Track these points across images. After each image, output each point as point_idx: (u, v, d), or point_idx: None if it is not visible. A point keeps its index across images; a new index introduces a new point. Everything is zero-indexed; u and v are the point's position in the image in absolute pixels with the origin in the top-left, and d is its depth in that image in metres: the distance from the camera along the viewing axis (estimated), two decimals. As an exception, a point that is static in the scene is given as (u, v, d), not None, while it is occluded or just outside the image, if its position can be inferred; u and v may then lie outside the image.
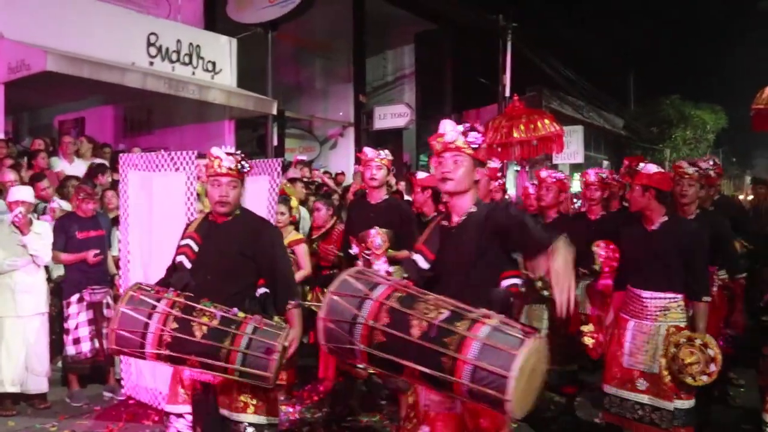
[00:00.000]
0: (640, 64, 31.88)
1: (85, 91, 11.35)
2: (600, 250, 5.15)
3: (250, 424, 3.32)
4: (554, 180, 5.23)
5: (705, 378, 3.95)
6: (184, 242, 3.49)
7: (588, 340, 4.44)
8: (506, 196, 7.10)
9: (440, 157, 2.93)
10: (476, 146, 2.89)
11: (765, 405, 3.85)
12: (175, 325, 3.13)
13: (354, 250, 4.86)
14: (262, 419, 3.34)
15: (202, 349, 3.11)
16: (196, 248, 3.45)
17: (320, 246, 6.02)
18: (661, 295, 4.14)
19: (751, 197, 9.84)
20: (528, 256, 2.86)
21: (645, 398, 4.13)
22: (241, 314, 3.19)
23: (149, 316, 3.16)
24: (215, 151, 3.41)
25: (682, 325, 4.15)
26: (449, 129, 2.92)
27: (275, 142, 13.69)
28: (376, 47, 18.83)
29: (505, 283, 2.84)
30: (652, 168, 4.23)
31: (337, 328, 2.68)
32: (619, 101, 30.72)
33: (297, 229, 6.22)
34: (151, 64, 10.87)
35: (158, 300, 3.22)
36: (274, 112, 12.88)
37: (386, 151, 5.07)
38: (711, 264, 4.87)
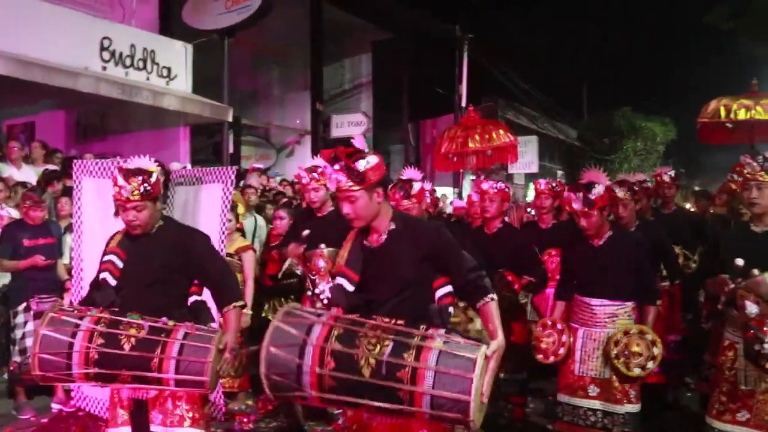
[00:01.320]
0: (592, 77, 32.45)
1: (36, 96, 11.12)
2: (551, 258, 5.26)
3: None
4: (496, 190, 5.26)
5: (638, 371, 4.03)
6: (106, 258, 3.40)
7: (544, 344, 4.47)
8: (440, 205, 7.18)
9: (338, 199, 2.95)
10: (360, 179, 2.78)
11: (710, 409, 3.93)
12: (101, 341, 3.04)
13: (299, 270, 4.88)
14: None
15: (133, 362, 3.02)
16: (120, 264, 3.37)
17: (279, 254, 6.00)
18: (609, 302, 4.22)
19: (692, 209, 10.11)
20: (458, 293, 2.93)
21: (597, 404, 4.20)
22: (171, 323, 3.12)
23: (73, 335, 3.05)
24: (119, 179, 3.29)
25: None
26: (328, 177, 2.85)
27: (231, 150, 13.56)
28: (334, 55, 18.85)
29: (440, 293, 2.87)
30: (600, 189, 4.25)
31: (283, 380, 2.63)
32: (573, 112, 31.28)
33: (247, 235, 6.19)
34: (105, 68, 10.67)
35: (81, 318, 3.12)
36: (230, 119, 12.77)
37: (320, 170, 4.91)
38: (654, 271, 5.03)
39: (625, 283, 4.22)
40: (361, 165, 2.77)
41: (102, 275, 3.37)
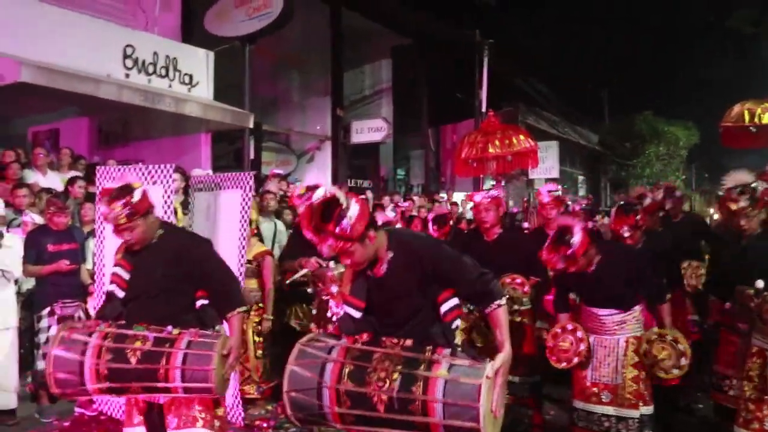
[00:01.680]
0: (614, 80, 32.24)
1: (60, 103, 11.25)
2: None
3: None
4: (489, 200, 5.27)
5: (676, 371, 4.07)
6: (113, 270, 3.47)
7: (564, 347, 4.45)
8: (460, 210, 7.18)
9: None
10: (350, 234, 2.72)
11: (737, 418, 3.92)
12: (109, 356, 3.13)
13: (310, 290, 4.88)
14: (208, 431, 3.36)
15: (140, 374, 3.11)
16: (126, 276, 3.42)
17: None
18: (616, 311, 4.27)
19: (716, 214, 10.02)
20: (468, 301, 3.01)
21: (610, 410, 4.24)
22: (176, 331, 3.20)
23: (82, 353, 3.15)
24: (101, 206, 3.36)
25: (639, 334, 4.28)
26: (325, 245, 2.78)
27: (252, 156, 13.65)
28: (354, 61, 18.91)
29: (444, 308, 2.88)
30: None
31: (305, 396, 2.77)
32: (594, 117, 31.10)
33: (267, 241, 6.19)
34: (127, 76, 10.79)
35: (90, 335, 3.20)
36: (251, 125, 12.84)
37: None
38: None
39: (624, 294, 4.26)
40: (346, 224, 2.71)
41: (111, 288, 3.44)
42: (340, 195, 2.74)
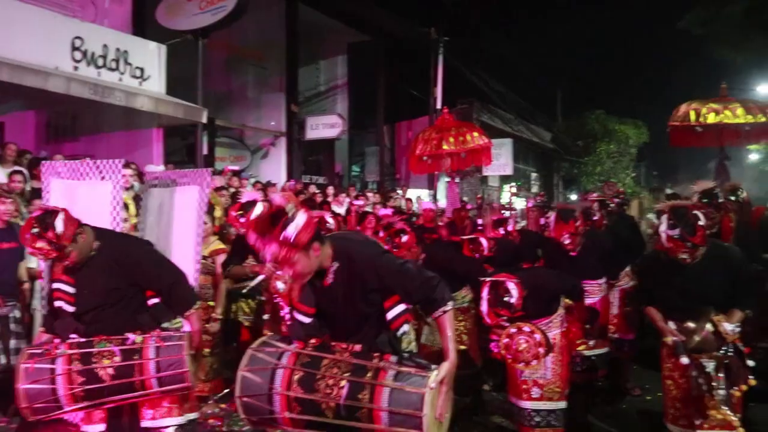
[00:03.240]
0: (567, 79, 32.76)
1: (5, 95, 10.94)
2: None
3: (179, 426, 3.45)
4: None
5: (535, 362, 4.15)
6: (55, 286, 3.37)
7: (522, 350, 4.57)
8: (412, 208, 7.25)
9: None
10: (296, 244, 2.67)
11: (666, 415, 4.05)
12: (81, 379, 3.14)
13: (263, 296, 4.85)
14: (184, 419, 3.51)
15: (117, 389, 3.15)
16: (71, 290, 3.34)
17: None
18: (543, 319, 4.42)
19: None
20: (412, 306, 2.98)
21: (539, 404, 4.39)
22: (139, 339, 3.21)
23: (52, 381, 3.14)
24: (28, 240, 3.20)
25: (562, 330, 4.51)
26: (267, 253, 2.73)
27: (205, 151, 13.47)
28: (309, 57, 18.82)
29: (391, 314, 2.88)
30: None
31: (256, 401, 2.83)
32: (548, 115, 31.53)
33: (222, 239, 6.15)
34: (76, 68, 10.54)
35: (53, 361, 3.18)
36: (204, 120, 12.69)
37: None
38: (604, 275, 5.46)
39: (546, 303, 4.47)
40: (291, 231, 2.66)
41: (57, 303, 3.35)
42: (288, 206, 2.69)
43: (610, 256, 5.48)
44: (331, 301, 2.89)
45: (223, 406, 5.85)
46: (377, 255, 2.94)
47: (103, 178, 4.92)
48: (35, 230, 3.16)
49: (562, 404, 4.39)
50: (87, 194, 4.98)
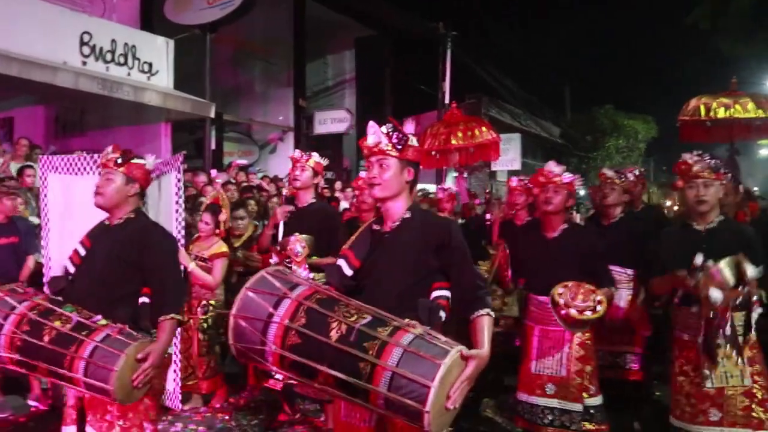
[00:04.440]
0: (576, 74, 32.67)
1: (14, 91, 10.99)
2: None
3: None
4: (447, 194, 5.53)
5: (590, 313, 3.92)
6: (76, 246, 3.35)
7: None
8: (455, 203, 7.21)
9: (368, 162, 2.84)
10: (401, 147, 2.75)
11: (673, 409, 3.91)
12: (26, 328, 2.94)
13: (273, 259, 4.67)
14: None
15: (48, 356, 2.89)
16: (83, 252, 3.29)
17: (244, 254, 6.03)
18: None
19: (676, 207, 10.19)
20: (455, 299, 2.77)
21: (554, 402, 4.22)
22: (103, 322, 2.97)
23: (5, 317, 2.98)
24: (110, 148, 3.34)
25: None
26: (371, 132, 2.80)
27: (213, 146, 13.50)
28: (317, 52, 18.80)
29: (435, 294, 2.73)
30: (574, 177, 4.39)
31: (250, 326, 2.49)
32: (556, 110, 31.45)
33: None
34: (84, 63, 10.56)
35: (21, 302, 3.03)
36: (212, 115, 12.69)
37: (316, 155, 5.03)
38: (631, 265, 5.03)
39: (577, 278, 4.14)
40: (403, 138, 2.76)
41: (66, 263, 3.31)
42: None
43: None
44: (385, 250, 2.77)
45: (231, 399, 5.87)
46: (455, 226, 2.87)
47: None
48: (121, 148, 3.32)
49: (578, 407, 4.18)
50: (85, 188, 4.93)
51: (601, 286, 4.17)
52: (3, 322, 2.98)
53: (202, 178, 9.21)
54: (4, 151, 8.87)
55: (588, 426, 4.21)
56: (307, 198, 4.96)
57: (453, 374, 2.34)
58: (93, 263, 3.23)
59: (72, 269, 3.28)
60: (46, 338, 2.89)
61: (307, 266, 4.55)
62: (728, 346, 3.62)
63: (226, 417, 5.54)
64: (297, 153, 5.04)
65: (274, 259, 4.70)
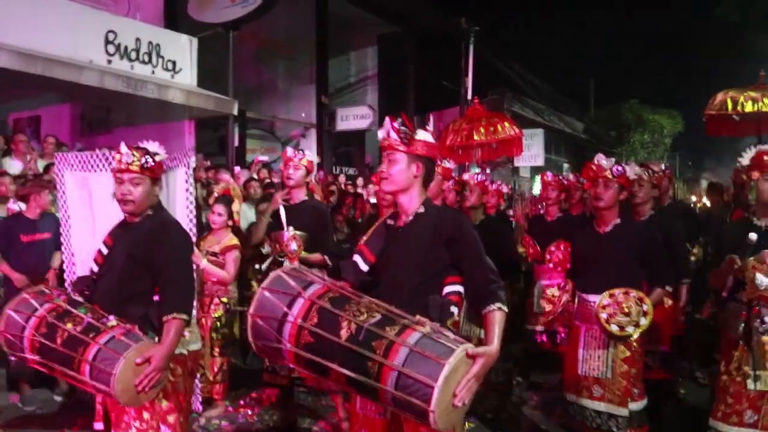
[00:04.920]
0: (600, 69, 32.37)
1: (41, 89, 11.13)
2: (557, 251, 5.25)
3: None
4: (476, 182, 5.36)
5: (631, 329, 3.89)
6: (100, 246, 3.35)
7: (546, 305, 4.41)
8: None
9: (382, 157, 2.90)
10: (407, 141, 2.77)
11: (714, 412, 3.82)
12: (44, 330, 2.98)
13: (266, 249, 4.75)
14: None
15: (61, 358, 2.93)
16: (105, 251, 3.28)
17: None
18: None
19: (706, 202, 10.07)
20: (468, 293, 2.79)
21: (601, 406, 4.12)
22: (113, 323, 2.96)
23: (27, 320, 3.03)
24: (122, 148, 3.22)
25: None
26: (384, 126, 2.83)
27: (236, 143, 13.57)
28: (339, 48, 18.81)
29: (447, 289, 2.75)
30: (628, 169, 4.28)
31: (266, 325, 2.58)
32: (580, 105, 31.19)
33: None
34: (109, 62, 10.66)
35: (42, 304, 3.06)
36: (235, 112, 12.77)
37: (309, 153, 5.05)
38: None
39: (628, 275, 4.08)
40: (418, 132, 2.78)
41: (89, 262, 3.35)
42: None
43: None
44: (398, 248, 2.79)
45: (254, 395, 5.90)
46: (468, 223, 2.89)
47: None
48: (137, 148, 3.25)
49: (624, 411, 4.06)
50: (101, 185, 4.96)
51: (659, 284, 4.14)
52: (25, 325, 3.02)
53: (225, 175, 9.27)
54: (32, 149, 8.98)
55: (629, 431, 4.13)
56: (300, 196, 4.97)
57: (459, 372, 2.37)
58: (113, 262, 3.23)
59: (96, 269, 3.29)
60: (59, 341, 2.93)
61: (298, 262, 4.53)
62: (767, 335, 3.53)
63: (249, 412, 5.57)
64: (290, 151, 5.01)
65: (266, 249, 4.70)
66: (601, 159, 4.29)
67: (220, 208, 5.59)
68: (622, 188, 4.20)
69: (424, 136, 2.81)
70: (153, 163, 3.23)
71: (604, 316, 3.95)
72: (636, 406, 4.14)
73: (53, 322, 2.99)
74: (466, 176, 5.49)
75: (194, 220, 5.05)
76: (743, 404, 3.66)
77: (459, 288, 2.76)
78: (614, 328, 3.92)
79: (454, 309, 2.70)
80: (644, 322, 3.90)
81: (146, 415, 3.08)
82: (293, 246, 4.58)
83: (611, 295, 3.97)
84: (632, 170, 4.35)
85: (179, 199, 4.99)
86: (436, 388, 2.28)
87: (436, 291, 2.73)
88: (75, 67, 9.72)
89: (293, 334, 2.53)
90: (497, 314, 2.62)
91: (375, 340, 2.41)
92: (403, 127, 2.79)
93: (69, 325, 2.95)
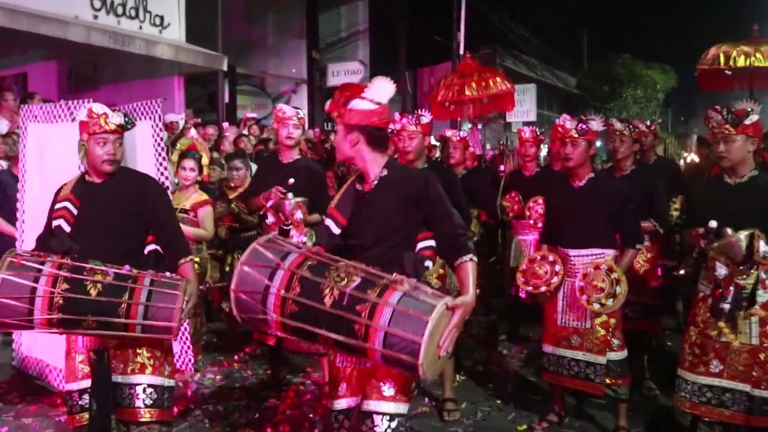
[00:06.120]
0: (593, 23, 32.06)
1: (26, 46, 10.97)
2: (536, 206, 5.33)
3: (149, 385, 3.17)
4: (458, 138, 5.65)
5: (597, 306, 4.02)
6: (60, 205, 3.27)
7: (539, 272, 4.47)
8: (436, 156, 7.16)
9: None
10: (339, 112, 2.83)
11: (682, 362, 3.93)
12: (66, 286, 2.95)
13: (270, 219, 4.62)
14: (160, 380, 3.21)
15: (100, 308, 2.95)
16: (75, 211, 3.25)
17: (239, 206, 5.91)
18: (587, 252, 4.20)
19: (695, 158, 10.10)
20: (439, 248, 2.86)
21: (579, 354, 4.23)
22: (135, 270, 3.07)
23: (36, 280, 2.95)
24: (97, 107, 3.22)
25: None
26: (333, 101, 2.88)
27: (226, 99, 13.46)
28: (330, 3, 18.53)
29: (420, 245, 2.84)
30: (596, 123, 4.32)
31: (250, 299, 2.68)
32: (573, 60, 30.98)
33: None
34: (96, 17, 10.48)
35: (42, 263, 3.02)
36: (225, 68, 12.63)
37: (301, 109, 5.00)
38: (644, 218, 4.99)
39: (603, 229, 4.19)
40: (352, 101, 2.80)
41: (56, 222, 3.25)
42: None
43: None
44: (368, 209, 2.86)
45: (248, 350, 5.98)
46: (431, 176, 2.93)
47: (74, 119, 4.63)
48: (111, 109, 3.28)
49: (602, 359, 4.17)
50: (60, 136, 4.72)
51: (628, 244, 4.22)
52: (35, 285, 2.95)
53: (210, 130, 9.21)
54: (19, 108, 8.86)
55: (607, 380, 4.22)
56: (293, 154, 4.90)
57: (441, 325, 2.53)
58: (94, 220, 3.22)
59: (67, 228, 3.23)
60: (94, 292, 2.96)
61: (305, 231, 4.56)
62: (730, 315, 3.63)
63: (244, 366, 5.65)
64: (288, 110, 4.90)
65: (270, 219, 4.66)
66: (566, 120, 4.33)
67: (190, 164, 5.40)
68: (590, 144, 4.26)
69: (356, 104, 2.79)
70: (132, 125, 3.33)
71: (584, 298, 4.08)
72: (616, 356, 4.23)
73: (74, 277, 2.97)
74: (448, 133, 5.56)
75: (166, 174, 4.85)
76: (709, 355, 3.77)
77: (432, 243, 2.86)
78: (596, 306, 4.06)
79: (428, 263, 2.81)
80: (620, 289, 4.01)
81: (158, 353, 3.24)
82: (298, 215, 4.52)
83: (584, 276, 4.10)
84: (598, 124, 4.39)
85: (146, 154, 4.77)
86: (422, 344, 2.41)
87: (409, 248, 2.81)
88: (61, 22, 9.56)
89: (278, 304, 2.63)
90: (469, 265, 2.74)
91: (359, 303, 2.52)
92: (341, 99, 2.83)
93: (98, 276, 2.98)
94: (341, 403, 2.89)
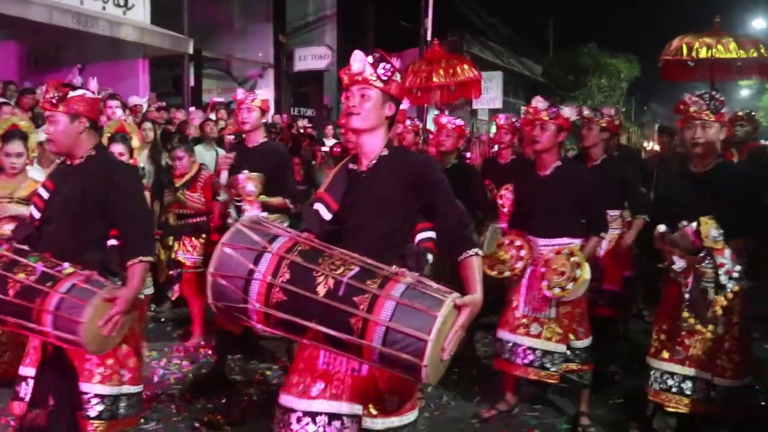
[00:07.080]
0: (560, 12, 32.28)
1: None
2: (508, 193, 5.33)
3: (96, 395, 2.98)
4: (454, 126, 5.29)
5: (557, 290, 3.97)
6: (37, 190, 3.17)
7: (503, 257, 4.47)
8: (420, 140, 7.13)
9: (348, 91, 2.64)
10: (386, 78, 2.58)
11: (649, 348, 3.94)
12: None
13: (222, 197, 4.49)
14: (109, 389, 3.01)
15: (14, 310, 2.77)
16: (46, 195, 3.10)
17: (185, 194, 5.89)
18: (555, 241, 4.16)
19: (656, 146, 10.27)
20: (440, 241, 2.64)
21: (538, 342, 4.14)
22: (69, 270, 2.83)
23: None
24: (48, 87, 3.07)
25: None
26: (357, 59, 2.63)
27: (192, 83, 13.31)
28: (297, -15, 18.40)
29: (420, 236, 2.61)
30: (568, 111, 4.27)
31: (230, 284, 2.36)
32: (539, 48, 31.18)
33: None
34: (58, -4, 10.29)
35: None
36: (191, 51, 12.49)
37: (261, 92, 4.89)
38: (617, 206, 5.06)
39: (570, 218, 4.16)
40: (391, 71, 2.60)
41: (31, 208, 3.14)
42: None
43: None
44: (363, 189, 2.62)
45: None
46: (434, 161, 2.77)
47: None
48: (61, 83, 3.06)
49: (562, 347, 4.10)
50: None
51: (593, 232, 4.19)
52: None
53: (179, 114, 9.11)
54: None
55: (571, 366, 4.21)
56: (257, 138, 4.85)
57: (448, 324, 2.24)
58: (59, 207, 3.06)
59: (37, 215, 3.10)
60: (11, 292, 2.77)
61: (259, 205, 4.44)
62: (693, 305, 3.65)
63: (209, 352, 5.63)
64: (240, 93, 4.84)
65: (222, 197, 4.58)
66: (538, 101, 4.24)
67: (119, 148, 5.04)
68: (560, 129, 4.18)
69: (398, 76, 2.65)
70: (68, 99, 3.02)
71: (545, 284, 4.03)
72: (581, 344, 4.22)
73: (1, 273, 2.82)
74: (443, 120, 5.40)
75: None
76: (675, 341, 3.77)
77: (431, 234, 2.64)
78: (557, 290, 3.98)
79: (430, 257, 2.57)
80: (580, 272, 3.95)
81: (110, 361, 3.03)
82: (250, 186, 4.40)
83: (546, 261, 4.06)
84: (571, 112, 4.32)
85: None
86: (429, 342, 2.15)
87: (406, 238, 2.60)
88: (21, 1, 9.35)
89: (262, 292, 2.32)
90: (475, 260, 2.48)
91: (357, 294, 2.23)
92: (383, 62, 2.61)
93: (21, 276, 2.78)
94: (307, 404, 2.49)
